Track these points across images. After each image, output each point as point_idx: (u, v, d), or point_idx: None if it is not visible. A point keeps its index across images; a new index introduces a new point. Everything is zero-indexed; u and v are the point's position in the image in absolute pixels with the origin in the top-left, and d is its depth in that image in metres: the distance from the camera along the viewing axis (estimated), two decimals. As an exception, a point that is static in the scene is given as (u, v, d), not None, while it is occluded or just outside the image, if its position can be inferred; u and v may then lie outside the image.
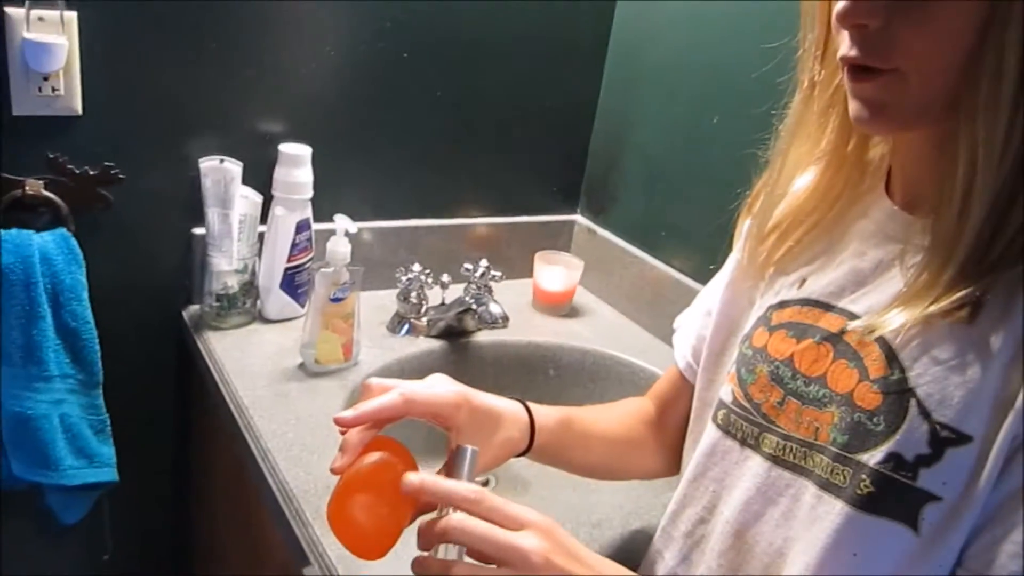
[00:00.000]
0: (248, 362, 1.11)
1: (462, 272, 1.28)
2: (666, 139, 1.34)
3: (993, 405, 0.54)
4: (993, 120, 0.52)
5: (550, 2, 1.33)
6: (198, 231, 1.19)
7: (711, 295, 0.84)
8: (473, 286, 1.28)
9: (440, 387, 0.72)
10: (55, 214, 1.09)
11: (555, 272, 1.39)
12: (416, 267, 1.24)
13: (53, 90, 1.04)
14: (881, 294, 0.62)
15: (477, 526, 0.56)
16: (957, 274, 0.55)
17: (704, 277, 1.25)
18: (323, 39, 1.19)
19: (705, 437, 0.73)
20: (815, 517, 0.61)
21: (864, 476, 0.58)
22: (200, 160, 1.14)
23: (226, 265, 1.15)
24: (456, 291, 1.27)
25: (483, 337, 1.27)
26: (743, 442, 0.69)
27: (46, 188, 1.07)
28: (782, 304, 0.70)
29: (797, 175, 0.71)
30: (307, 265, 1.21)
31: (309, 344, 1.10)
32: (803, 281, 0.69)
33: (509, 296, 1.34)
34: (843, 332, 0.63)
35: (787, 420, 0.65)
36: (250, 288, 1.19)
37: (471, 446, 0.63)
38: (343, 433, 0.66)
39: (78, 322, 1.09)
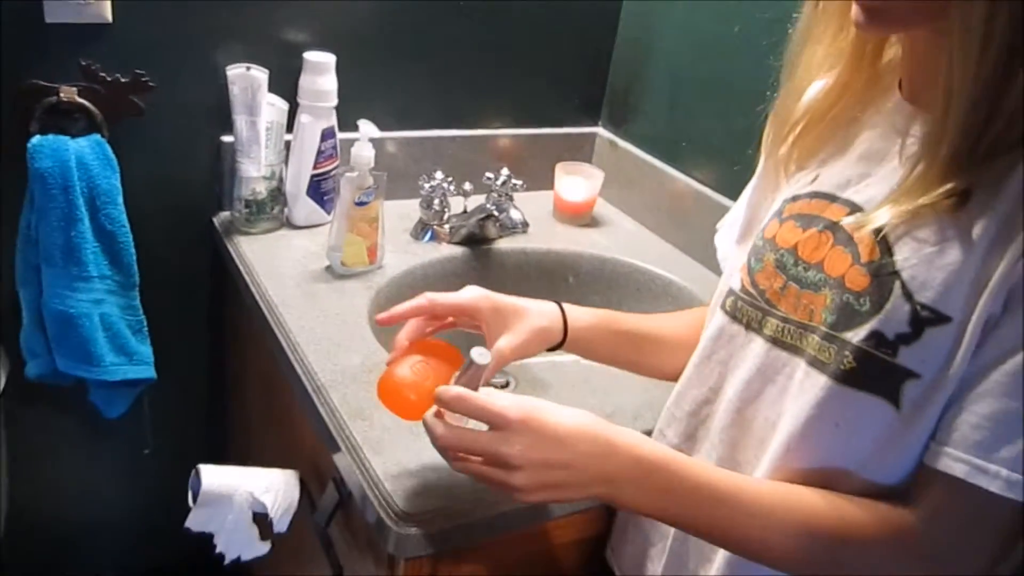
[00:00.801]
0: (277, 265, 1.15)
1: (484, 181, 1.30)
2: (688, 50, 1.33)
3: (972, 287, 0.57)
4: (969, 21, 0.54)
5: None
6: (227, 139, 1.21)
7: (744, 198, 0.87)
8: (495, 194, 1.30)
9: (465, 291, 0.82)
10: (90, 120, 1.11)
11: (575, 182, 1.41)
12: (439, 175, 1.26)
13: (83, -3, 1.06)
14: (882, 185, 0.65)
15: (462, 438, 0.65)
16: (945, 168, 0.58)
17: (724, 188, 1.27)
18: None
19: (714, 322, 0.76)
20: (802, 391, 0.65)
21: (847, 352, 0.62)
22: (227, 68, 1.16)
23: (254, 172, 1.18)
24: (478, 200, 1.30)
25: (504, 244, 1.30)
26: (747, 326, 0.72)
27: (80, 95, 1.10)
28: (795, 198, 0.72)
29: (814, 76, 0.73)
30: (333, 173, 1.24)
31: (336, 247, 1.13)
32: (817, 176, 0.72)
33: (530, 207, 1.36)
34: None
35: (787, 304, 0.68)
36: (278, 195, 1.22)
37: (480, 357, 0.70)
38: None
39: (114, 225, 1.13)
